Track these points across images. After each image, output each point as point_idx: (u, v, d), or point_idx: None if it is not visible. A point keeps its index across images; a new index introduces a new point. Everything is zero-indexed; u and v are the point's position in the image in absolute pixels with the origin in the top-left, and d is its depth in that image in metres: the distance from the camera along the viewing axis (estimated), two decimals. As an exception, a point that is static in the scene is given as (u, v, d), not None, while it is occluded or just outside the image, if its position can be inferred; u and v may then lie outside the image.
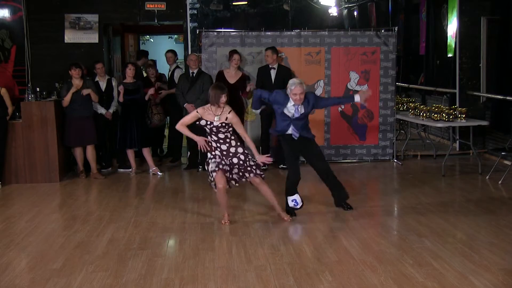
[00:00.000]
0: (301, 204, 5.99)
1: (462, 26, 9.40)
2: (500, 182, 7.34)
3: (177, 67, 9.31)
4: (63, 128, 8.12)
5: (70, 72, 8.01)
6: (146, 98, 8.40)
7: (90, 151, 8.15)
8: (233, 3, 9.96)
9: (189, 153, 8.77)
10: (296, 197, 5.96)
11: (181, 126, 5.81)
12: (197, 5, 9.63)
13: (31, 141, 7.88)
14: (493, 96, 9.04)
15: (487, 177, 7.65)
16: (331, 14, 12.08)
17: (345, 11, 13.38)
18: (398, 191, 7.32)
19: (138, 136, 8.20)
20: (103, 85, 8.59)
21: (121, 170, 8.66)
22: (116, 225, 5.82)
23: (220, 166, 5.63)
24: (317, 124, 8.79)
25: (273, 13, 10.17)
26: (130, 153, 8.36)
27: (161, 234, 5.54)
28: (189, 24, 9.53)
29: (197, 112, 5.70)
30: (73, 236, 5.48)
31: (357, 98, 6.04)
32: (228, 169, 5.69)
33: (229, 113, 5.63)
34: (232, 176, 5.74)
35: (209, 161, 5.72)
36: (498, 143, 8.94)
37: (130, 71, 8.25)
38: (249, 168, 5.70)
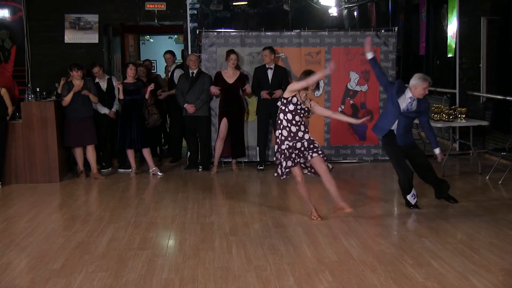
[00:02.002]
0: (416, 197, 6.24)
1: (462, 26, 9.40)
2: (500, 182, 7.34)
3: (177, 67, 9.31)
4: (63, 129, 8.12)
5: (70, 73, 8.01)
6: (147, 96, 8.36)
7: (90, 151, 8.15)
8: (233, 3, 9.95)
9: (189, 153, 8.77)
10: (414, 191, 6.18)
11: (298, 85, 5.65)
12: (197, 5, 9.62)
13: (31, 141, 7.88)
14: (493, 96, 9.04)
15: (487, 177, 7.65)
16: (331, 14, 12.06)
17: (345, 11, 13.36)
18: (398, 191, 7.30)
19: (138, 136, 8.20)
20: (103, 85, 8.61)
21: (121, 170, 8.66)
22: (116, 225, 5.83)
23: (296, 161, 5.70)
24: (317, 124, 8.79)
25: (273, 13, 10.15)
26: (130, 153, 8.36)
27: (161, 234, 5.54)
28: (189, 24, 9.52)
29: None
30: (73, 236, 5.48)
31: (370, 55, 6.35)
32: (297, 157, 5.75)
33: (311, 101, 5.79)
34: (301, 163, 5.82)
35: (280, 155, 5.72)
36: (498, 143, 8.93)
37: (131, 71, 8.24)
38: (312, 147, 5.75)
